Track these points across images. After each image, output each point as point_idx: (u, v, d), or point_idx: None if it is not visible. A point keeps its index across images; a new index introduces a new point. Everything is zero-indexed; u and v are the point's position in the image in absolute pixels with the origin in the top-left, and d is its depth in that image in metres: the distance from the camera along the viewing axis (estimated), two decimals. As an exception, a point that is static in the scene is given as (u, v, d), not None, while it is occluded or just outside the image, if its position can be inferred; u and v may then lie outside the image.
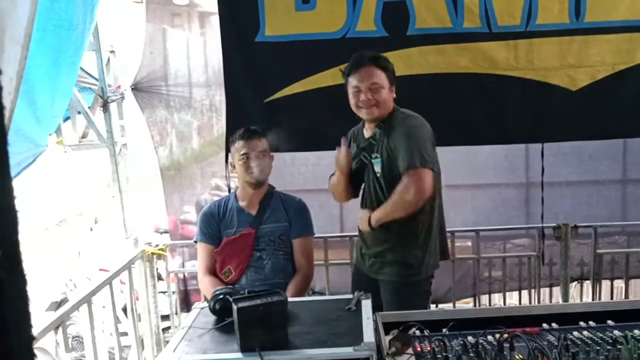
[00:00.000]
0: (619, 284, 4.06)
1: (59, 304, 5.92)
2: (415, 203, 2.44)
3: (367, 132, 2.69)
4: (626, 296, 3.99)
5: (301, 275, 2.89)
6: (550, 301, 4.14)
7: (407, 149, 2.44)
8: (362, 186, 2.75)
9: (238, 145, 2.84)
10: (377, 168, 2.58)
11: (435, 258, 2.65)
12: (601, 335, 1.81)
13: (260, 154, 2.84)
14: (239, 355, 1.84)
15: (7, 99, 1.01)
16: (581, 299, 4.14)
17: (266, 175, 2.90)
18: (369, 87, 2.56)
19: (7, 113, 0.60)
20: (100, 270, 5.28)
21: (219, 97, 3.70)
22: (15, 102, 1.06)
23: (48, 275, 7.47)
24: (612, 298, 4.09)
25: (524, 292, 4.02)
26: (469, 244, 3.86)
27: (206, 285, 2.83)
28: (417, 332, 1.94)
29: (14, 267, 0.46)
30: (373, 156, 2.60)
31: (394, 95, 2.60)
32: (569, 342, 1.75)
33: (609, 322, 1.91)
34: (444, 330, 1.92)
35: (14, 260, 0.46)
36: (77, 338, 5.11)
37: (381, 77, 2.57)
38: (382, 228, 2.58)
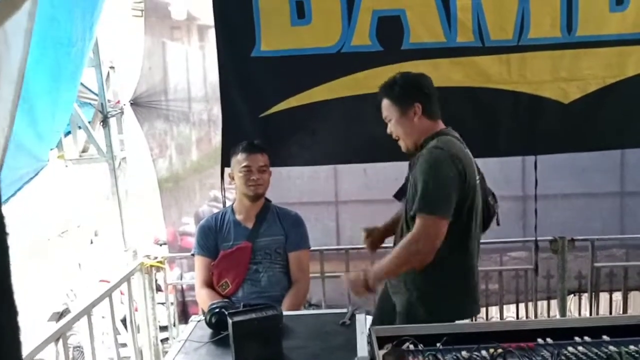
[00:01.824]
0: (618, 296, 4.06)
1: (60, 314, 5.93)
2: (425, 254, 2.26)
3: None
4: (625, 309, 4.00)
5: (297, 288, 2.90)
6: (548, 314, 4.13)
7: (422, 192, 2.27)
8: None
9: (240, 158, 2.87)
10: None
11: (449, 304, 2.43)
12: (596, 350, 1.80)
13: (261, 168, 2.87)
14: (234, 369, 1.87)
15: (1, 135, 1.06)
16: (579, 312, 4.12)
17: (264, 189, 2.93)
18: (385, 120, 2.50)
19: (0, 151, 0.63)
20: (101, 281, 5.29)
21: (218, 110, 3.72)
22: (9, 138, 1.09)
23: (50, 285, 7.48)
24: (610, 311, 4.09)
25: (522, 305, 4.03)
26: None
27: (203, 298, 2.85)
28: (411, 347, 1.94)
29: (5, 298, 0.48)
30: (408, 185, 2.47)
31: (418, 114, 2.40)
32: (563, 357, 1.75)
33: (605, 337, 1.90)
34: (438, 344, 1.93)
35: (6, 293, 0.48)
36: (78, 348, 5.12)
37: (387, 108, 2.47)
38: None
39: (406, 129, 2.44)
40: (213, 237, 2.94)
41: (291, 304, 2.82)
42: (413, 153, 2.47)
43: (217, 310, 2.18)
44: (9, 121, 1.08)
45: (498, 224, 2.63)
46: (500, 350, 1.75)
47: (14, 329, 0.48)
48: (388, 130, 2.50)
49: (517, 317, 4.08)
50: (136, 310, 3.69)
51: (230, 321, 1.90)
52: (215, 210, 3.51)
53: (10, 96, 1.07)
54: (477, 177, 2.45)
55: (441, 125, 2.49)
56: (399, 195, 2.64)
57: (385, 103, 2.48)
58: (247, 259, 2.88)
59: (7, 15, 0.90)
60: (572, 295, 4.01)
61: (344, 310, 2.29)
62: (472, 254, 2.45)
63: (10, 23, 0.95)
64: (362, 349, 1.95)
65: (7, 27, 0.95)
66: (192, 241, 3.37)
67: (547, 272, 3.90)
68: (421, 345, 1.91)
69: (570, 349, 1.83)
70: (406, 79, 2.48)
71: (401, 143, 2.49)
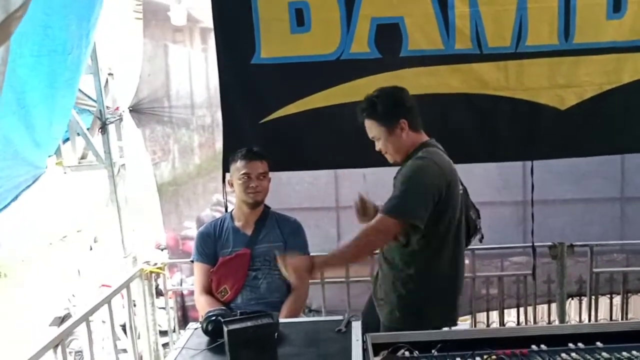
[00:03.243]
0: (619, 300, 4.06)
1: (62, 319, 5.95)
2: (370, 247, 2.43)
3: None
4: (625, 312, 4.00)
5: (296, 295, 2.91)
6: (549, 318, 4.14)
7: (393, 196, 2.37)
8: None
9: (239, 165, 2.88)
10: None
11: (432, 314, 2.50)
12: (589, 357, 1.82)
13: (261, 175, 2.89)
14: (230, 376, 1.87)
15: None
16: (580, 316, 4.13)
17: (263, 196, 2.94)
18: (373, 140, 2.55)
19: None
20: (102, 285, 5.30)
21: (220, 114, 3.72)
22: None
23: (51, 290, 7.52)
24: (610, 315, 4.10)
25: (522, 310, 4.03)
26: (467, 261, 3.86)
27: (202, 305, 2.87)
28: (407, 353, 1.95)
29: None
30: None
31: (405, 130, 2.46)
32: (555, 364, 1.77)
33: (598, 343, 1.91)
34: (433, 351, 1.93)
35: None
36: (80, 353, 5.14)
37: (373, 128, 2.51)
38: (389, 266, 2.55)
39: (396, 145, 2.49)
40: (212, 243, 2.95)
41: (290, 310, 2.83)
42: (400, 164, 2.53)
43: (213, 318, 2.19)
44: None
45: (481, 240, 2.71)
46: (494, 357, 1.76)
47: None
48: (377, 148, 2.54)
49: (518, 322, 4.08)
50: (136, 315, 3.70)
51: (225, 329, 1.91)
52: (218, 215, 3.52)
53: None
54: (460, 189, 2.51)
55: (425, 136, 2.54)
56: None
57: (371, 124, 2.51)
58: (246, 265, 2.89)
59: None
60: (571, 299, 4.02)
61: (340, 318, 2.29)
62: (450, 264, 2.50)
63: None
64: (357, 356, 1.95)
65: None
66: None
67: (547, 276, 3.91)
68: (416, 352, 1.92)
69: (563, 355, 1.85)
70: (386, 96, 2.50)
71: (389, 157, 2.54)
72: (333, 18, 3.25)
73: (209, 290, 2.92)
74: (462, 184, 2.57)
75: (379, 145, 2.53)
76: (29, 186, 2.80)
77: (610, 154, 3.58)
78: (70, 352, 4.71)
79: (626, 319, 3.96)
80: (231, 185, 2.98)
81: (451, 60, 3.24)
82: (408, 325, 2.36)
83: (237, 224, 2.97)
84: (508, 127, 3.36)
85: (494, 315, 4.19)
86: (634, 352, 1.82)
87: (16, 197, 2.70)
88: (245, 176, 2.86)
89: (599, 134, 3.35)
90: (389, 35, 3.24)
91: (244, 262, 2.90)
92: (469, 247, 3.62)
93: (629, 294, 4.01)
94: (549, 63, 3.23)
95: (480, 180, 3.82)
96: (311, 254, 3.03)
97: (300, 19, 3.26)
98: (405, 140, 2.48)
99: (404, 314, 2.48)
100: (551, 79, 3.26)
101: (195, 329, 2.32)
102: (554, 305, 3.99)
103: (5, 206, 2.61)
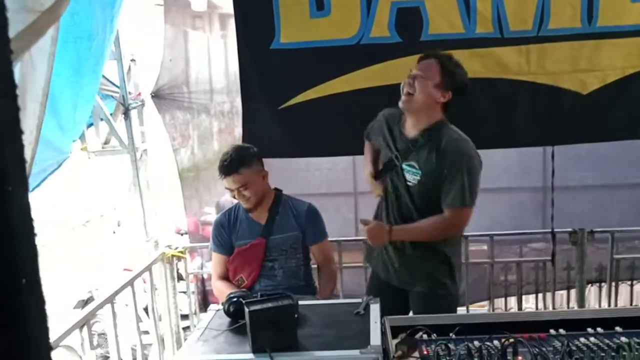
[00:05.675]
0: (639, 287, 4.04)
1: (85, 302, 6.06)
2: (451, 236, 2.56)
3: (408, 132, 2.60)
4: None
5: (326, 272, 2.97)
6: (568, 305, 4.12)
7: (461, 186, 2.43)
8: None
9: (220, 178, 2.84)
10: (410, 177, 2.53)
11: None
12: (608, 341, 1.81)
13: (239, 189, 2.79)
14: (251, 356, 1.91)
15: (28, 148, 1.13)
16: (599, 302, 4.11)
17: (256, 200, 2.84)
18: (416, 75, 2.50)
19: (28, 160, 0.67)
20: (125, 270, 5.40)
21: (240, 100, 3.74)
22: (36, 150, 1.16)
23: (76, 274, 7.64)
24: (631, 301, 4.07)
25: (540, 296, 4.02)
26: (485, 247, 3.86)
27: (219, 289, 2.87)
28: (425, 336, 1.97)
29: (36, 291, 0.53)
30: (408, 163, 2.54)
31: (445, 99, 2.50)
32: (574, 349, 1.77)
33: (617, 328, 1.91)
34: (451, 334, 1.95)
35: (35, 286, 0.53)
36: (103, 335, 5.24)
37: (432, 69, 2.50)
38: (413, 244, 2.60)
39: (426, 99, 2.49)
40: (226, 234, 2.94)
41: (326, 287, 2.92)
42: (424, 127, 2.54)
43: (235, 299, 2.22)
44: (35, 135, 1.14)
45: None
46: (511, 341, 1.77)
47: (43, 317, 0.53)
48: (407, 86, 2.52)
49: (536, 308, 4.08)
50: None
51: (246, 310, 1.95)
52: (236, 200, 3.55)
53: (36, 113, 1.14)
54: None
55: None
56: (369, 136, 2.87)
57: (434, 66, 2.50)
58: (261, 255, 2.88)
59: (33, 40, 0.95)
60: (590, 285, 4.00)
61: (359, 301, 2.31)
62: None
63: (36, 48, 1.00)
64: (376, 338, 1.97)
65: (32, 51, 1.01)
66: (213, 231, 3.41)
67: (567, 263, 3.89)
68: (434, 334, 1.94)
69: (582, 339, 1.84)
70: (464, 72, 2.55)
71: (407, 99, 2.51)
72: (353, 2, 3.23)
73: (225, 278, 2.93)
74: None
75: (415, 85, 2.49)
76: (54, 171, 2.86)
77: (632, 139, 3.53)
78: (93, 334, 4.80)
79: (647, 305, 3.94)
80: None
81: (472, 44, 3.20)
82: (452, 284, 2.61)
83: (250, 213, 2.94)
84: (529, 112, 3.32)
85: (512, 301, 4.19)
86: (653, 337, 1.81)
87: (42, 181, 2.75)
88: (229, 190, 2.84)
89: (620, 118, 3.29)
90: (409, 19, 3.21)
91: (258, 252, 2.88)
92: (488, 232, 3.67)
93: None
94: (571, 47, 3.18)
95: (500, 166, 3.82)
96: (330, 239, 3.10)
97: (320, 3, 3.25)
98: (435, 105, 2.52)
99: (447, 277, 2.61)
100: (573, 63, 3.21)
101: (217, 310, 2.35)
102: (573, 292, 3.98)
103: (32, 190, 2.66)
